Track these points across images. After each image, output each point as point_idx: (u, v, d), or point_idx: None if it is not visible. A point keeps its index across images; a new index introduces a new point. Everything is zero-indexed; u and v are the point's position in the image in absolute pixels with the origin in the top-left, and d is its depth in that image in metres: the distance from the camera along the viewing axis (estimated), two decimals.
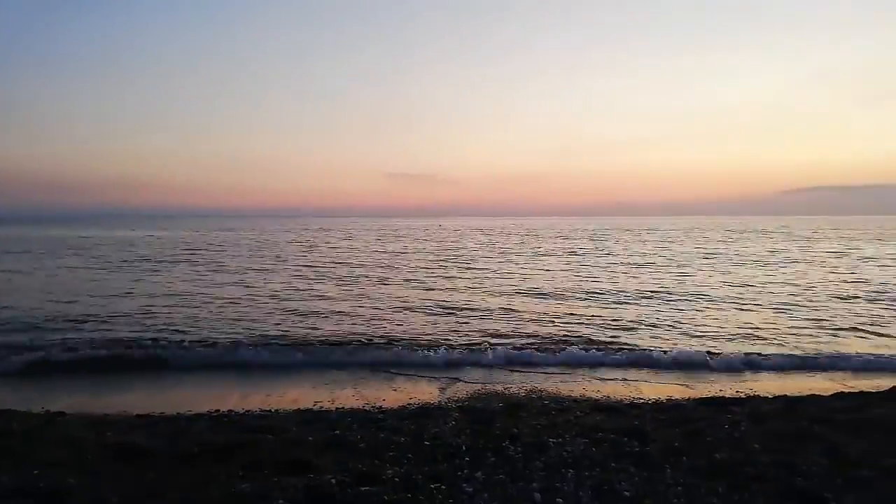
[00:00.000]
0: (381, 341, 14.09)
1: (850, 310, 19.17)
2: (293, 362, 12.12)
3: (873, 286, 24.84)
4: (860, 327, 16.25)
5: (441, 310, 18.54)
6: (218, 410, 8.70)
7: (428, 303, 19.86)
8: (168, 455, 6.18)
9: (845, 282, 26.52)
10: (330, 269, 33.03)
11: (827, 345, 14.24)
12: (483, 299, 21.10)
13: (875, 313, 18.51)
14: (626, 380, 11.25)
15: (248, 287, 24.58)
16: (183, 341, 13.67)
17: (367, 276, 28.71)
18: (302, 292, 22.72)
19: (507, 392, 10.15)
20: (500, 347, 13.30)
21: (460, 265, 35.03)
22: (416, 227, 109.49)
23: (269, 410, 8.79)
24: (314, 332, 15.19)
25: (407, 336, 14.65)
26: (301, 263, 35.95)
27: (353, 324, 16.33)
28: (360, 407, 8.96)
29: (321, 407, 9.01)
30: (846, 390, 9.82)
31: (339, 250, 49.51)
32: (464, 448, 6.35)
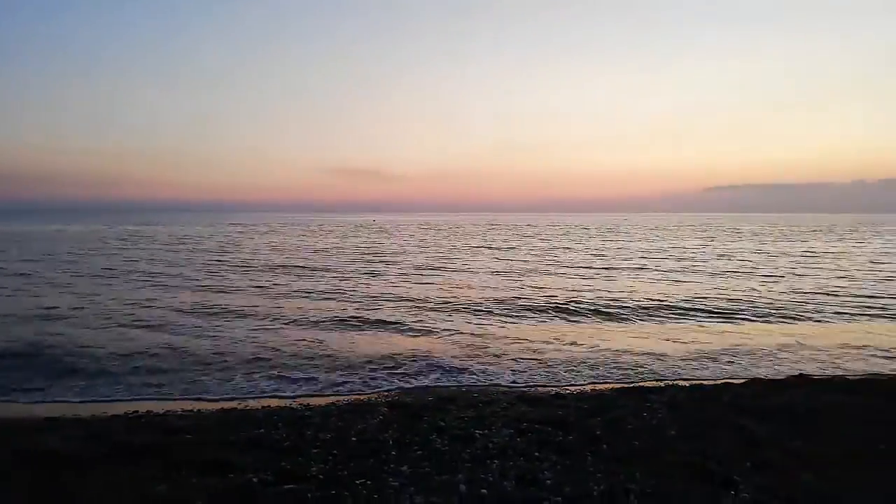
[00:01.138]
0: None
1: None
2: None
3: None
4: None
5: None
6: (136, 412, 8.35)
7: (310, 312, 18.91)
8: (81, 458, 5.89)
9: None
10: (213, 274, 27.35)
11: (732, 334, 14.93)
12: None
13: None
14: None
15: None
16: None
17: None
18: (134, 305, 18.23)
19: (437, 386, 10.18)
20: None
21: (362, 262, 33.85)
22: (348, 224, 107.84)
23: (191, 411, 8.50)
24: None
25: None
26: (192, 266, 30.49)
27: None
28: (287, 405, 8.79)
29: (246, 406, 8.79)
30: (757, 377, 10.34)
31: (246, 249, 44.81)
32: (391, 443, 6.34)
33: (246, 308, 17.38)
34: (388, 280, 24.96)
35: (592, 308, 17.89)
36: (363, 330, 14.56)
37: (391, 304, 18.24)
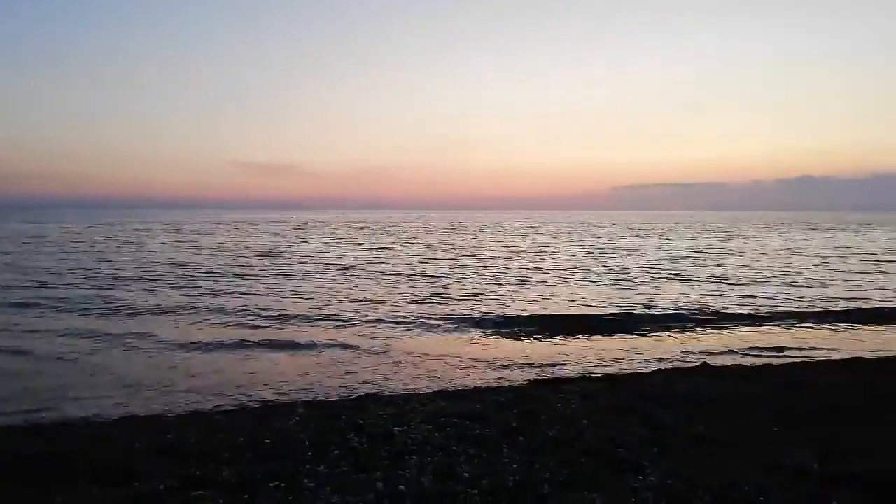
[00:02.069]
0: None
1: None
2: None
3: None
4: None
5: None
6: (32, 421, 7.80)
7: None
8: None
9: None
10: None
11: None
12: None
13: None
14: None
15: None
16: None
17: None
18: None
19: (358, 384, 10.05)
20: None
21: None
22: (263, 222, 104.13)
23: (93, 417, 8.02)
24: None
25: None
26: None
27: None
28: (197, 409, 8.45)
29: (153, 411, 8.39)
30: (663, 367, 10.82)
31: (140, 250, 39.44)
32: (307, 443, 6.22)
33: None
34: (293, 286, 22.33)
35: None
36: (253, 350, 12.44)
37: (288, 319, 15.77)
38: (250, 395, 9.12)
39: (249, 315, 15.89)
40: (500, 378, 10.37)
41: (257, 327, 14.53)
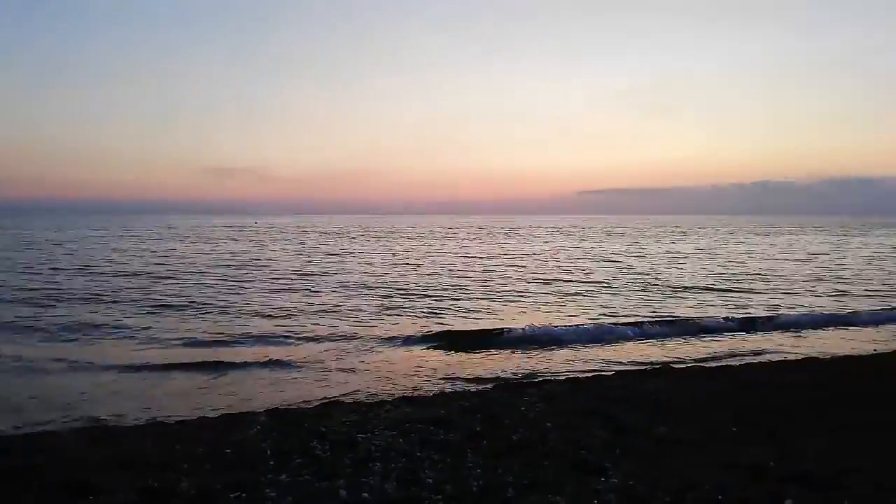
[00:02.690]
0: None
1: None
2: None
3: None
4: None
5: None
6: None
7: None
8: None
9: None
10: None
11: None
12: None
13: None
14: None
15: None
16: None
17: None
18: None
19: (321, 392, 9.93)
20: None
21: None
22: (225, 227, 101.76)
23: (46, 430, 7.75)
24: None
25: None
26: None
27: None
28: (155, 419, 8.25)
29: (109, 423, 8.15)
30: (626, 369, 10.97)
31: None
32: (269, 452, 6.11)
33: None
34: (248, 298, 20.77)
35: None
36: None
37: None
38: (210, 406, 8.94)
39: (201, 329, 15.27)
40: (465, 382, 10.38)
41: (211, 339, 14.07)
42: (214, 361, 11.65)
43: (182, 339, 13.88)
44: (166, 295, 20.47)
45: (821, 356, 12.16)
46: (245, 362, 11.70)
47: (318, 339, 13.89)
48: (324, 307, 18.43)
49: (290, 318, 16.60)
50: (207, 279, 25.46)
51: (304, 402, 8.99)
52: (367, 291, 22.11)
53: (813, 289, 23.71)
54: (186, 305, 18.42)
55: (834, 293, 22.57)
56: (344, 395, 9.46)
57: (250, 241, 57.52)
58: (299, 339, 14.00)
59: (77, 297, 19.84)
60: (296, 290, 22.32)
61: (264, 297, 20.60)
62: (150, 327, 14.99)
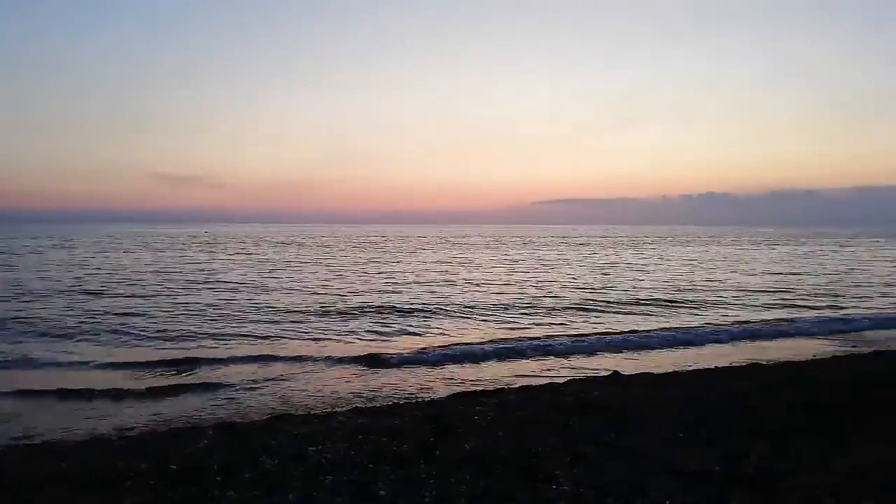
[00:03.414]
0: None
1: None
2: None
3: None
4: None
5: None
6: None
7: None
8: None
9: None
10: None
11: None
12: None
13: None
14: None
15: None
16: None
17: None
18: None
19: (271, 403, 9.75)
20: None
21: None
22: (175, 236, 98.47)
23: None
24: None
25: None
26: None
27: None
28: (97, 434, 7.96)
29: (48, 438, 7.84)
30: (578, 377, 11.11)
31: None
32: (216, 467, 5.97)
33: None
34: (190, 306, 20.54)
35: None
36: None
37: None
38: (155, 422, 8.67)
39: (144, 337, 14.94)
40: (419, 393, 10.35)
41: (155, 349, 13.75)
42: (162, 378, 11.30)
43: (126, 359, 13.24)
44: (107, 311, 19.46)
45: (764, 362, 12.58)
46: (189, 383, 11.17)
47: (265, 356, 13.30)
48: (269, 324, 17.43)
49: (236, 334, 15.88)
50: (148, 293, 24.14)
51: (253, 416, 8.81)
52: (312, 307, 21.34)
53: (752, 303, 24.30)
54: (124, 323, 17.18)
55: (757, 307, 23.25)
56: (295, 408, 9.31)
57: (198, 251, 55.84)
58: (246, 356, 13.30)
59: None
60: (240, 305, 21.27)
61: (208, 312, 19.68)
62: (88, 344, 14.44)
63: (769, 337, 16.42)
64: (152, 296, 23.01)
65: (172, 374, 11.63)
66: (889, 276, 34.33)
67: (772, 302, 23.12)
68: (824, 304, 22.50)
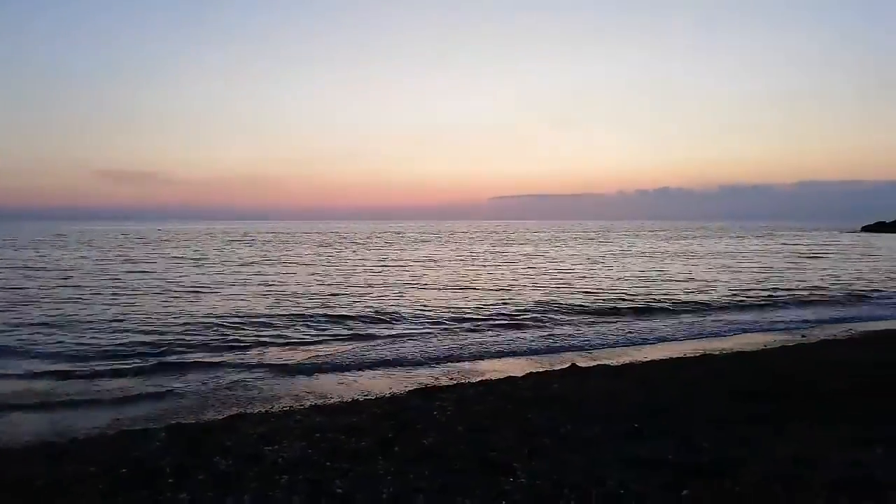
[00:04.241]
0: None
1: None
2: None
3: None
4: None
5: None
6: None
7: None
8: None
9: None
10: None
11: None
12: None
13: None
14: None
15: None
16: None
17: None
18: None
19: (228, 403, 9.55)
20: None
21: None
22: (123, 234, 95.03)
23: None
24: None
25: None
26: None
27: None
28: (44, 439, 7.69)
29: None
30: (535, 370, 11.20)
31: None
32: (168, 470, 5.82)
33: None
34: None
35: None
36: None
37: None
38: (105, 424, 8.42)
39: (89, 345, 13.95)
40: (379, 389, 10.28)
41: (87, 357, 12.96)
42: (110, 382, 10.88)
43: (68, 354, 12.88)
44: (44, 310, 18.78)
45: (716, 352, 12.91)
46: (141, 387, 10.80)
47: (217, 363, 12.95)
48: (222, 321, 16.83)
49: (185, 332, 15.36)
50: (90, 292, 23.18)
51: (208, 417, 8.63)
52: (268, 304, 20.94)
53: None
54: (66, 323, 16.57)
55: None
56: (251, 407, 9.13)
57: (146, 249, 54.32)
58: (196, 361, 12.79)
59: None
60: (188, 303, 20.79)
61: (155, 310, 19.09)
62: (32, 343, 13.92)
63: (725, 331, 16.81)
64: (96, 296, 22.17)
65: (121, 378, 11.27)
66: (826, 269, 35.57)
67: (730, 295, 23.72)
68: (772, 298, 23.08)
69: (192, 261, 40.19)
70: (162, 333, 15.06)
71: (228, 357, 12.81)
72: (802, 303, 21.75)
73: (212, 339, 14.49)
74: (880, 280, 28.85)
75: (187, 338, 14.61)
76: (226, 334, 15.07)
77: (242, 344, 14.13)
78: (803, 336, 15.57)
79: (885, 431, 6.59)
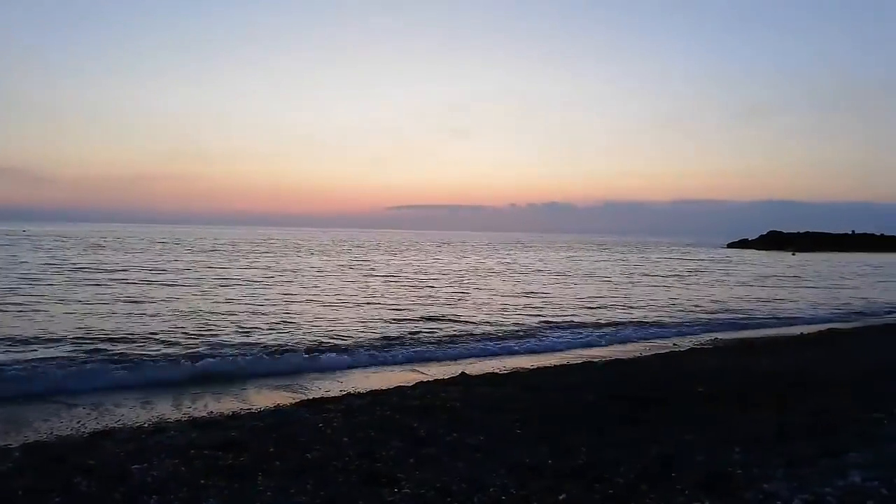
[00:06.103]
0: None
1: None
2: None
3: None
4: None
5: None
6: None
7: None
8: None
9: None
10: None
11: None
12: None
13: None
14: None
15: None
16: None
17: None
18: None
19: (90, 420, 8.85)
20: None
21: None
22: None
23: None
24: None
25: None
26: None
27: None
28: None
29: None
30: (425, 379, 11.22)
31: None
32: (20, 493, 5.30)
33: None
34: None
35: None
36: None
37: None
38: None
39: None
40: (261, 401, 9.92)
41: None
42: None
43: None
44: None
45: (596, 360, 13.53)
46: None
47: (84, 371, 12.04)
48: (92, 331, 15.78)
49: (50, 343, 14.25)
50: None
51: (70, 434, 7.95)
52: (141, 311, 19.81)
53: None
54: None
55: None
56: (119, 424, 8.50)
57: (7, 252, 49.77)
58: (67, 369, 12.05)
59: None
60: (51, 311, 19.22)
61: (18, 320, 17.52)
62: None
63: (611, 341, 17.59)
64: None
65: None
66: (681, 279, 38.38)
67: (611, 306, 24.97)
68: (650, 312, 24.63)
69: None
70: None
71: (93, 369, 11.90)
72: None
73: (73, 353, 13.39)
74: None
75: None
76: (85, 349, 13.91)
77: (111, 358, 13.16)
78: (674, 345, 16.67)
79: (741, 432, 7.13)
